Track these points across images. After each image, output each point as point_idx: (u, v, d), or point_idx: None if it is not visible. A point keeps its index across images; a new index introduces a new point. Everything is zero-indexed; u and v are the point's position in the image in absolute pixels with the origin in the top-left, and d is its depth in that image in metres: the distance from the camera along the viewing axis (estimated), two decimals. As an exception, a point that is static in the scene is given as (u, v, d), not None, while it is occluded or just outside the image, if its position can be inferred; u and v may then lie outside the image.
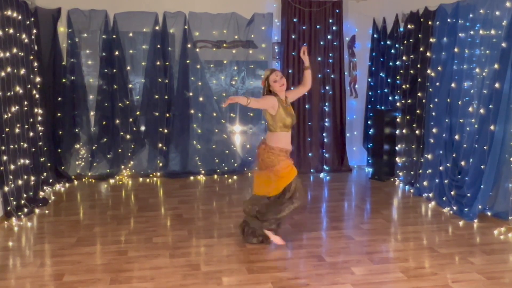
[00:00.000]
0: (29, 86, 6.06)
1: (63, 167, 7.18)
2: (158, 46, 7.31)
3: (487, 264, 4.16)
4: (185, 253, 4.43)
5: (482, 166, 5.28)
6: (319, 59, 7.76)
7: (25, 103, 5.91)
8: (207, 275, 3.94)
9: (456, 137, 5.80)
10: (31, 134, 6.07)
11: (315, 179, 7.58)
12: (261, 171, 4.58)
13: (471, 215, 5.30)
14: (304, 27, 7.70)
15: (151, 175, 7.48)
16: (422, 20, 6.54)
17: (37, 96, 6.37)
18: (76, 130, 7.31)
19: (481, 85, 5.48)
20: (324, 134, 7.95)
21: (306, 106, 7.77)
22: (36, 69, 6.36)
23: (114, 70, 7.24)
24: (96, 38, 7.27)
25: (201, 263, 4.20)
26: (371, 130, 7.64)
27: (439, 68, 6.12)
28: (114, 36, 7.21)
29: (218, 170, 7.67)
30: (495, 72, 5.16)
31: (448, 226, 5.21)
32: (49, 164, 6.74)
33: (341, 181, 7.49)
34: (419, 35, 6.59)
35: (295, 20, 7.64)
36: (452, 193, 5.73)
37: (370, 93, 8.06)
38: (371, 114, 7.82)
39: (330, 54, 7.80)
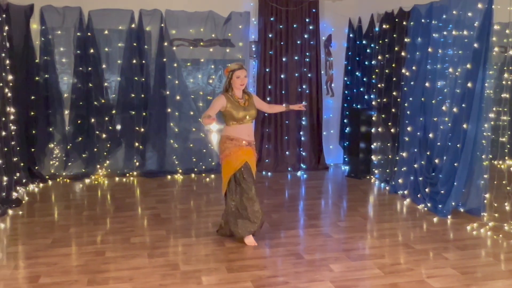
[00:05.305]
0: (1, 84, 5.91)
1: (36, 167, 7.03)
2: (134, 44, 7.24)
3: (460, 259, 4.26)
4: (164, 253, 4.41)
5: (455, 164, 5.41)
6: (296, 58, 7.81)
7: (-3, 101, 5.77)
8: (186, 275, 3.92)
9: (430, 135, 5.92)
10: (4, 133, 5.92)
11: (292, 177, 7.62)
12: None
13: (445, 212, 5.43)
14: (281, 26, 7.73)
15: (127, 175, 7.40)
16: (397, 20, 6.65)
17: (9, 94, 6.21)
18: (50, 129, 7.17)
19: (454, 84, 5.60)
20: (301, 133, 8.00)
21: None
22: (8, 67, 6.19)
23: (89, 68, 7.14)
24: (70, 36, 7.15)
25: (180, 262, 4.18)
26: (347, 128, 7.73)
27: (413, 68, 6.24)
28: (89, 34, 7.10)
29: (195, 169, 7.64)
30: (467, 71, 5.29)
31: (422, 223, 5.31)
32: (22, 164, 6.59)
33: (318, 179, 7.55)
34: (394, 35, 6.70)
35: (272, 19, 7.67)
36: (427, 190, 5.85)
37: (346, 92, 8.15)
38: (347, 112, 7.91)
39: (307, 53, 7.86)
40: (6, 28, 6.19)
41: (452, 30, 5.57)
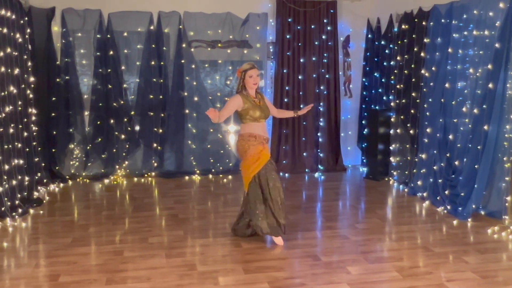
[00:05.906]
0: (23, 86, 6.03)
1: (57, 167, 7.15)
2: (153, 45, 7.30)
3: (481, 263, 4.19)
4: (181, 253, 4.43)
5: (476, 166, 5.33)
6: (313, 59, 7.79)
7: (19, 103, 5.88)
8: (203, 275, 3.94)
9: (450, 136, 5.84)
10: (25, 134, 6.04)
11: (310, 178, 7.60)
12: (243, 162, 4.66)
13: (465, 214, 5.34)
14: (298, 27, 7.72)
15: (146, 175, 7.47)
16: (416, 20, 6.58)
17: (31, 96, 6.34)
18: (70, 130, 7.28)
19: (474, 85, 5.52)
20: (318, 134, 7.97)
21: (301, 106, 7.78)
22: (30, 69, 6.33)
23: (109, 70, 7.23)
24: (91, 38, 7.26)
25: (197, 263, 4.20)
26: (366, 129, 7.67)
27: (433, 68, 6.16)
28: (108, 36, 7.19)
29: (213, 170, 7.67)
30: (488, 72, 5.21)
31: (442, 225, 5.24)
32: (43, 164, 6.71)
33: (336, 181, 7.51)
34: (413, 36, 6.63)
35: (289, 20, 7.66)
36: (446, 192, 5.77)
37: (364, 93, 8.10)
38: (365, 113, 7.86)
39: (325, 54, 7.83)
40: (28, 30, 6.32)
41: (473, 30, 5.49)
